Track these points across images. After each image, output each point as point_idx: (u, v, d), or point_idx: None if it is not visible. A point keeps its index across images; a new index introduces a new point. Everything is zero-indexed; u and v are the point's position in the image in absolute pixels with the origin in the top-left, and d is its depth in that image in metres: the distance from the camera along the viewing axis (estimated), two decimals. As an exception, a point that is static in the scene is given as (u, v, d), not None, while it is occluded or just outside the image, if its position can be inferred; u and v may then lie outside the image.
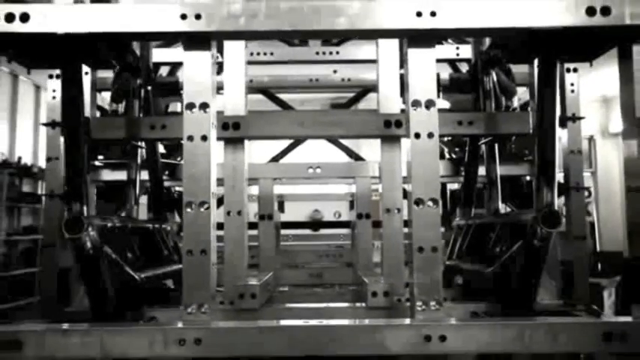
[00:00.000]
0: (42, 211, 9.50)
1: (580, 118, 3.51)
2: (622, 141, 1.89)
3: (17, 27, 1.72)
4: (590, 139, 12.72)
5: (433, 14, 1.75)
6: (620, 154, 13.06)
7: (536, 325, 1.69)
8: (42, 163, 10.38)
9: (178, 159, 3.77)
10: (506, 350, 1.70)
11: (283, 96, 4.59)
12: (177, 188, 4.00)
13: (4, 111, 11.33)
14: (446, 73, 3.50)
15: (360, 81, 4.20)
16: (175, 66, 3.82)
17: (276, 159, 4.77)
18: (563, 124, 3.62)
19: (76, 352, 1.66)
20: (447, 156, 4.13)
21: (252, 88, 3.93)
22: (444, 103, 3.69)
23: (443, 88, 3.51)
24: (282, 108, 4.80)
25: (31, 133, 11.99)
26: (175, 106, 3.95)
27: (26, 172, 10.78)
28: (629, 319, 1.77)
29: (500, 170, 2.94)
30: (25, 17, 1.71)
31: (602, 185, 13.34)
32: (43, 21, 1.72)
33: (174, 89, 3.57)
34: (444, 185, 4.99)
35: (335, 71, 4.13)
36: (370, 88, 4.22)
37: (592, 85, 11.47)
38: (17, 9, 1.72)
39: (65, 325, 1.73)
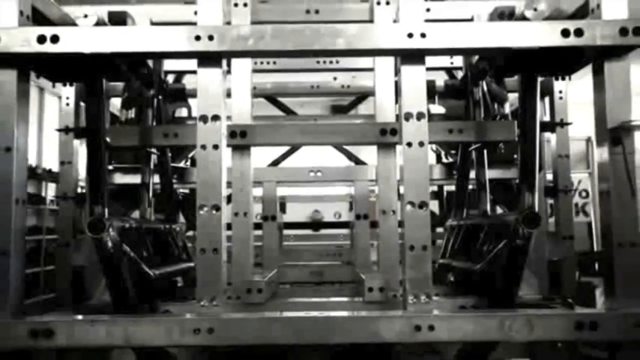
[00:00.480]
0: (45, 212, 9.66)
1: (567, 124, 3.69)
2: (595, 148, 2.07)
3: (48, 47, 1.90)
4: (588, 140, 12.86)
5: (423, 35, 1.94)
6: (616, 155, 13.24)
7: (515, 316, 1.87)
8: (46, 164, 10.55)
9: (183, 162, 3.96)
10: (488, 338, 1.89)
11: (285, 99, 4.76)
12: (180, 190, 4.17)
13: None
14: (441, 80, 3.68)
15: (358, 87, 4.37)
16: (181, 74, 3.99)
17: (277, 161, 4.95)
18: (552, 129, 3.81)
19: (102, 341, 1.85)
20: (444, 159, 4.31)
21: (256, 94, 4.12)
22: (439, 109, 3.87)
23: (439, 94, 3.69)
24: (284, 112, 4.98)
25: (35, 134, 12.16)
26: (181, 112, 4.13)
27: (31, 174, 10.96)
28: (600, 310, 1.96)
29: (491, 174, 3.11)
30: (55, 39, 1.90)
31: (600, 185, 13.47)
32: (71, 42, 1.91)
33: (180, 96, 3.76)
34: (440, 187, 5.19)
35: (335, 78, 4.30)
36: (368, 93, 4.40)
37: (590, 88, 11.64)
38: (48, 31, 1.91)
39: (92, 316, 1.92)
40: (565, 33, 1.92)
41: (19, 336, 1.83)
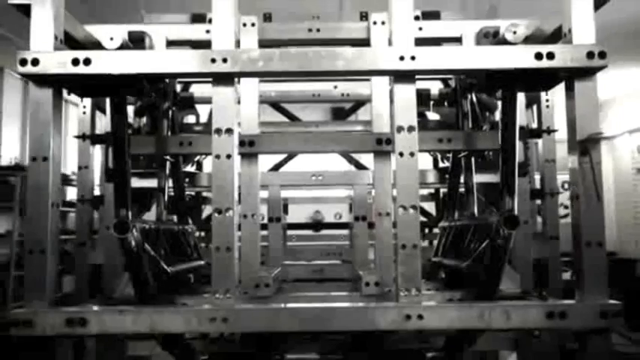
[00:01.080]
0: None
1: (553, 131, 3.94)
2: (568, 156, 2.31)
3: (81, 69, 2.15)
4: (584, 141, 13.03)
5: (413, 58, 2.19)
6: (613, 156, 13.50)
7: (494, 307, 2.13)
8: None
9: (190, 166, 4.20)
10: (470, 326, 2.14)
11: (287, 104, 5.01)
12: (187, 193, 4.41)
13: (16, 116, 11.77)
14: (436, 88, 3.92)
15: (357, 95, 4.61)
16: (188, 82, 4.24)
17: (280, 164, 5.21)
18: (538, 136, 4.06)
19: (129, 328, 2.10)
20: (441, 163, 4.55)
21: (261, 101, 4.36)
22: (433, 116, 4.11)
23: (433, 102, 3.94)
24: (286, 117, 5.24)
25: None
26: (187, 119, 4.37)
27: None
28: (570, 301, 2.21)
29: (482, 178, 3.35)
30: (87, 61, 2.15)
31: (596, 187, 13.68)
32: (101, 64, 2.16)
33: (189, 103, 4.01)
34: (437, 190, 5.43)
35: (335, 87, 4.54)
36: (366, 100, 4.64)
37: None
38: (81, 55, 2.16)
39: (121, 307, 2.17)
40: (538, 56, 2.16)
41: (57, 324, 2.08)
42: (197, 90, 4.11)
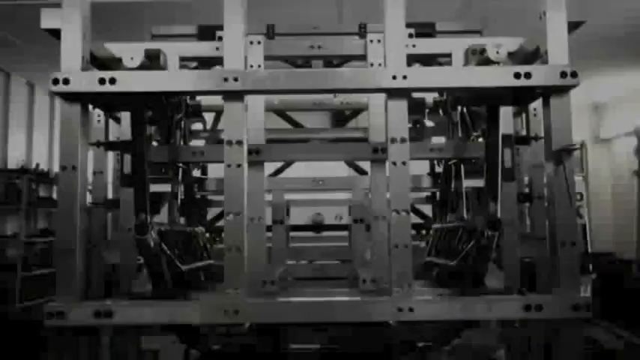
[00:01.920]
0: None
1: (541, 138, 4.17)
2: (544, 163, 2.56)
3: (107, 88, 2.40)
4: (582, 144, 13.36)
5: (405, 77, 2.43)
6: (610, 159, 13.76)
7: (477, 300, 2.37)
8: (57, 169, 10.99)
9: (195, 169, 4.44)
10: (455, 317, 2.38)
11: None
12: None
13: (22, 120, 12.01)
14: (431, 97, 4.17)
15: (355, 103, 4.85)
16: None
17: (282, 168, 5.46)
18: (527, 142, 4.30)
19: (150, 319, 2.35)
20: (437, 166, 4.79)
21: (266, 109, 4.60)
22: (428, 123, 4.35)
23: (429, 110, 4.18)
24: (288, 123, 5.49)
25: (47, 140, 12.66)
26: (195, 125, 4.61)
27: (43, 178, 11.41)
28: (546, 295, 2.45)
29: (469, 183, 3.59)
30: (112, 80, 2.40)
31: (593, 188, 13.98)
32: (125, 83, 2.41)
33: (196, 112, 4.24)
34: (434, 193, 5.67)
35: (335, 96, 4.78)
36: (364, 108, 4.88)
37: (583, 93, 12.13)
38: (107, 75, 2.41)
39: (143, 301, 2.42)
40: (517, 75, 2.41)
41: (86, 315, 2.33)
42: (204, 98, 4.34)
